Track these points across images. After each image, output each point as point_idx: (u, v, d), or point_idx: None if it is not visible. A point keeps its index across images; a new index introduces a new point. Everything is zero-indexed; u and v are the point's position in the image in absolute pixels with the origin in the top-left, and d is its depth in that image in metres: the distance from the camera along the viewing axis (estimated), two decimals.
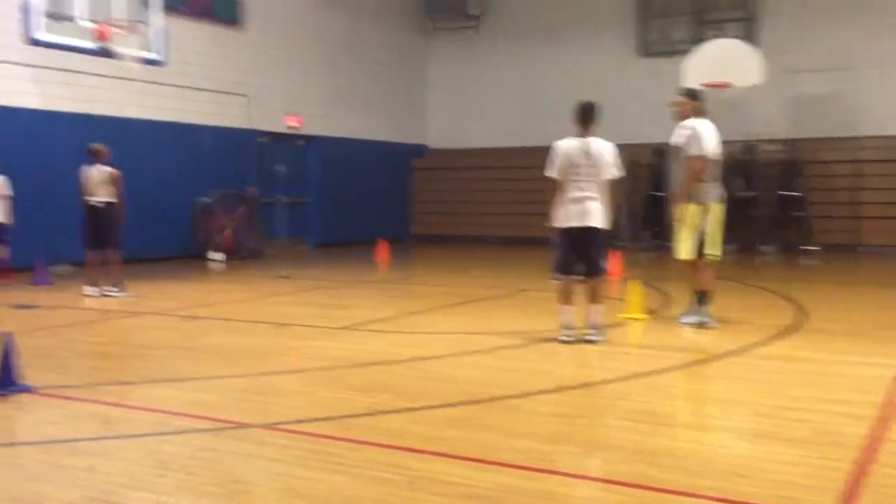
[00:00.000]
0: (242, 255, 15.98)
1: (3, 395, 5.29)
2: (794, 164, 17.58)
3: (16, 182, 12.40)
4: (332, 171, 19.24)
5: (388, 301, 10.36)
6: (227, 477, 3.94)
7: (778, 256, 16.64)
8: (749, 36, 17.84)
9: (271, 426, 4.72)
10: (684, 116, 7.93)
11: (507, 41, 21.16)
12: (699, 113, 7.94)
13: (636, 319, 8.35)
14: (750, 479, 3.83)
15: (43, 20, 10.92)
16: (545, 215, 7.27)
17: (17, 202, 12.39)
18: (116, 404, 5.23)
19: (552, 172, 7.15)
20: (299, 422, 4.81)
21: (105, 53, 11.69)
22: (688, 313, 8.08)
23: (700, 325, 7.86)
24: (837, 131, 17.61)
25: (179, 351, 7.15)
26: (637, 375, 6.01)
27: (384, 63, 20.95)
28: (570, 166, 7.09)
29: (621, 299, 8.83)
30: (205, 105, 16.15)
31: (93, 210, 10.42)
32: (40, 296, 10.52)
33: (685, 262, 7.95)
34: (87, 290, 10.42)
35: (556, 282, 7.24)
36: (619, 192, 7.51)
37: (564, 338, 7.11)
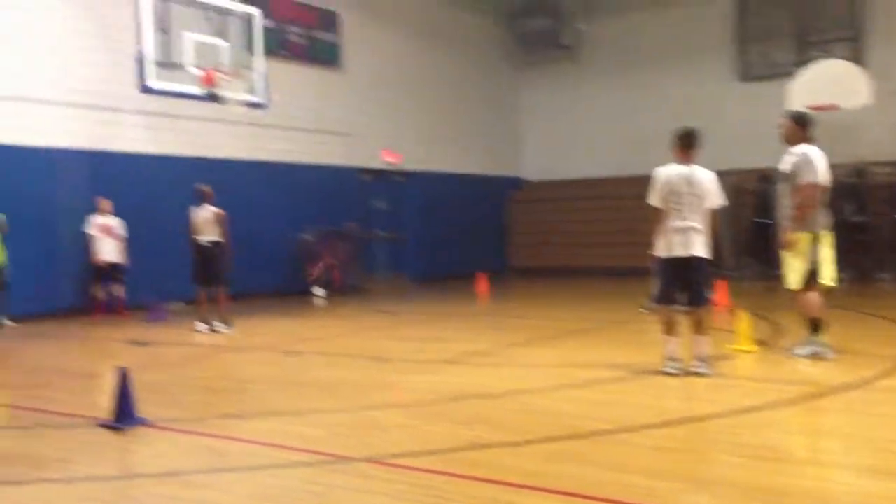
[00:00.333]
0: (343, 290, 16.25)
1: (121, 429, 5.49)
2: None
3: (129, 224, 13.02)
4: (431, 205, 19.43)
5: (488, 334, 10.33)
6: None
7: (895, 283, 15.89)
8: (856, 56, 17.25)
9: (374, 460, 4.74)
10: (789, 139, 7.71)
11: (603, 70, 21.05)
12: (807, 138, 7.68)
13: (745, 351, 8.08)
14: None
15: (155, 69, 11.45)
16: (648, 245, 7.14)
17: (131, 243, 13.00)
18: (226, 437, 5.36)
19: (654, 200, 7.03)
20: (401, 455, 4.82)
21: (211, 98, 12.16)
22: (801, 344, 7.77)
23: (815, 356, 7.55)
24: None
25: (284, 385, 7.29)
26: (748, 409, 5.80)
27: (479, 97, 21.14)
28: (673, 194, 6.95)
29: (729, 330, 8.56)
30: (306, 144, 16.61)
31: (202, 249, 10.79)
32: (153, 332, 10.93)
33: (796, 292, 7.67)
34: (198, 326, 10.77)
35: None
36: (721, 221, 7.32)
37: (670, 370, 6.94)
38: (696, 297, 7.04)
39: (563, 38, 21.29)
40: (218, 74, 11.89)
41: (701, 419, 5.77)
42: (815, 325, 7.63)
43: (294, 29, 16.44)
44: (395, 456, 4.81)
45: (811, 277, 7.53)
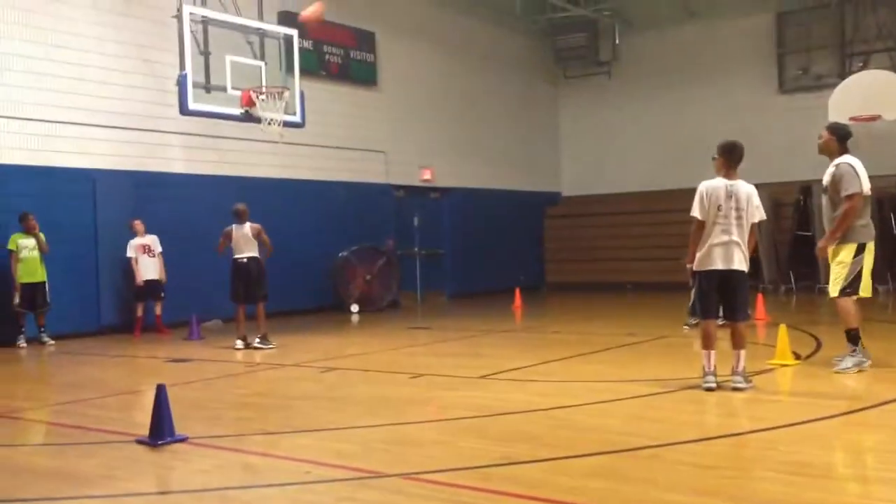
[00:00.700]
0: (380, 306, 16.29)
1: (160, 445, 5.54)
2: None
3: (169, 243, 13.19)
4: (467, 221, 19.45)
5: (525, 350, 10.28)
6: None
7: None
8: None
9: (411, 476, 4.73)
10: (828, 152, 7.66)
11: (640, 85, 20.97)
12: (845, 150, 7.61)
13: (786, 365, 7.96)
14: None
15: (194, 91, 11.63)
16: (680, 257, 7.08)
17: (170, 262, 13.17)
18: (263, 454, 5.39)
19: (696, 213, 6.99)
20: (438, 472, 4.80)
21: (249, 118, 12.31)
22: (842, 357, 7.64)
23: (858, 368, 7.43)
24: None
25: (321, 401, 7.32)
26: (788, 425, 5.69)
27: (516, 113, 21.17)
28: (715, 208, 6.91)
29: (768, 344, 8.44)
30: (343, 162, 16.74)
31: (241, 266, 10.89)
32: (192, 349, 11.05)
33: (839, 302, 7.54)
34: (236, 343, 10.85)
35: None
36: (761, 234, 7.26)
37: (709, 385, 6.85)
38: (734, 311, 6.98)
39: (601, 54, 21.26)
40: (256, 95, 12.05)
41: (741, 435, 5.67)
42: (854, 337, 7.52)
43: (331, 49, 16.62)
44: (430, 472, 4.79)
45: (851, 288, 7.43)
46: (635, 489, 4.38)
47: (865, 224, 7.51)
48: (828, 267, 7.85)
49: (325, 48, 16.47)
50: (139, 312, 12.97)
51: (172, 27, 11.95)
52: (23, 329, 11.81)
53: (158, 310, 13.07)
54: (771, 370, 7.82)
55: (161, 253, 13.06)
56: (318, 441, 5.79)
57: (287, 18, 14.86)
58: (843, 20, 18.20)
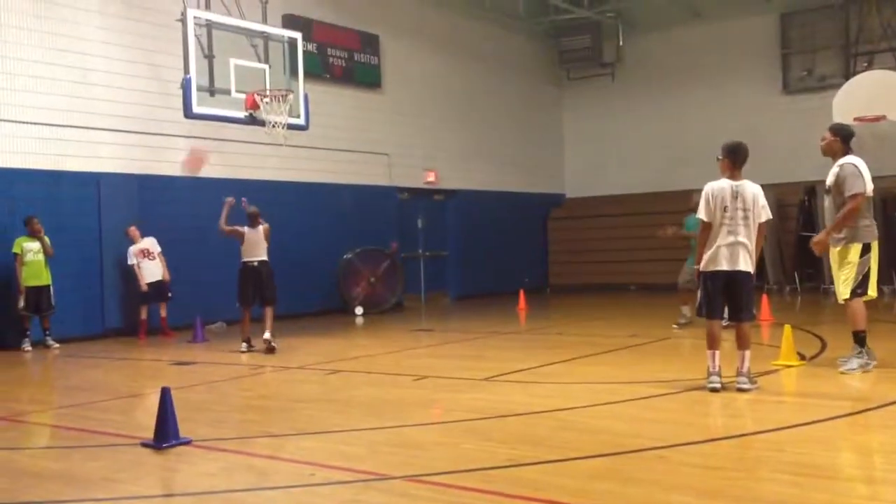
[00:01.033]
0: (384, 309, 16.29)
1: (164, 448, 5.55)
2: None
3: (173, 246, 13.20)
4: (471, 223, 19.45)
5: (529, 352, 10.28)
6: None
7: None
8: None
9: (415, 478, 4.73)
10: (831, 153, 7.66)
11: (645, 86, 20.96)
12: (848, 150, 7.62)
13: (790, 366, 7.94)
14: None
15: (199, 94, 11.64)
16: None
17: (175, 265, 13.18)
18: (267, 456, 5.39)
19: (702, 215, 7.00)
20: (442, 474, 4.79)
21: (253, 121, 12.32)
22: (847, 359, 7.62)
23: (863, 369, 7.42)
24: None
25: (325, 404, 7.31)
26: (794, 426, 5.68)
27: (520, 115, 21.17)
28: (721, 209, 6.91)
29: (773, 345, 8.42)
30: (347, 165, 16.76)
31: (253, 269, 10.84)
32: (197, 352, 11.06)
33: (850, 303, 7.53)
34: (242, 346, 10.84)
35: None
36: (768, 235, 7.27)
37: (713, 385, 6.84)
38: (739, 312, 6.98)
39: (604, 56, 21.25)
40: (260, 98, 12.05)
41: (746, 436, 5.66)
42: (861, 339, 7.51)
43: (335, 52, 16.63)
44: (434, 474, 4.79)
45: (861, 289, 7.43)
46: (640, 491, 4.37)
47: (869, 224, 7.52)
48: (829, 263, 7.85)
49: (329, 51, 16.48)
50: (143, 315, 12.98)
51: (177, 31, 11.96)
52: (28, 332, 11.83)
53: (164, 312, 13.08)
54: (776, 371, 7.80)
55: (161, 253, 13.06)
56: (322, 443, 5.78)
57: (291, 21, 14.90)
58: (848, 20, 18.17)
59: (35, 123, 12.34)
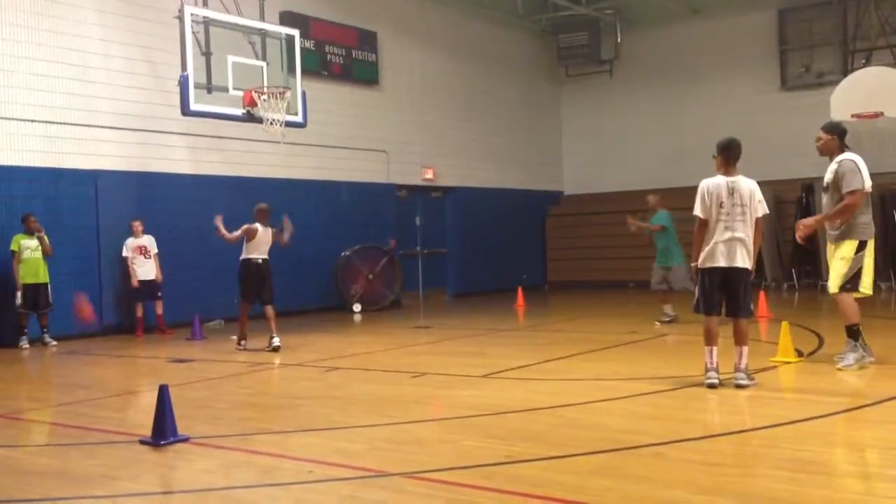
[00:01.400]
0: (383, 306, 16.29)
1: (162, 445, 5.55)
2: None
3: (172, 244, 13.20)
4: (469, 220, 19.45)
5: (528, 348, 10.28)
6: None
7: None
8: None
9: (413, 475, 4.73)
10: (828, 151, 7.68)
11: (643, 84, 20.96)
12: (844, 148, 7.63)
13: (788, 363, 7.95)
14: None
15: (196, 92, 11.63)
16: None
17: (174, 262, 13.18)
18: (266, 453, 5.39)
19: (698, 212, 7.01)
20: (441, 470, 4.80)
21: (251, 119, 12.31)
22: (844, 355, 7.63)
23: (860, 364, 7.43)
24: None
25: (324, 401, 7.31)
26: (792, 422, 5.69)
27: (518, 112, 21.16)
28: (717, 205, 6.92)
29: (771, 341, 8.43)
30: (345, 162, 16.75)
31: (257, 267, 10.77)
32: (195, 349, 11.05)
33: (839, 298, 7.54)
34: (240, 343, 10.82)
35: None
36: (766, 231, 7.27)
37: (711, 381, 6.85)
38: (737, 308, 6.98)
39: (603, 52, 21.24)
40: (258, 95, 12.04)
41: (744, 432, 5.68)
42: (854, 332, 7.52)
43: (333, 49, 16.61)
44: (433, 471, 4.79)
45: (851, 284, 7.44)
46: (638, 487, 4.38)
47: (867, 221, 7.53)
48: (825, 259, 7.87)
49: (327, 48, 16.46)
50: (139, 313, 12.97)
51: (174, 28, 11.96)
52: (25, 330, 11.82)
53: (159, 309, 13.07)
54: (773, 367, 7.81)
55: (157, 254, 13.05)
56: (321, 440, 5.79)
57: (289, 18, 14.88)
58: (846, 17, 18.16)
59: (33, 121, 12.32)
